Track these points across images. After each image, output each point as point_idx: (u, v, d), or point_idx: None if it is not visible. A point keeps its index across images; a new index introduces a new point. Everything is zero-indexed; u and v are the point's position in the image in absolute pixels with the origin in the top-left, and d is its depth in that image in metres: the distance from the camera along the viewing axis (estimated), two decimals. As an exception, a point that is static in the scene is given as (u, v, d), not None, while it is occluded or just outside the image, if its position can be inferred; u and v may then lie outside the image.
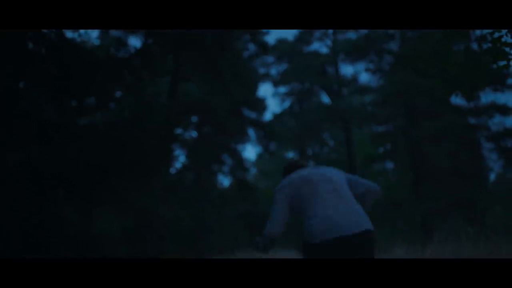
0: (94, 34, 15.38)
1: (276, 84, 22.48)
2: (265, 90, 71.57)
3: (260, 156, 26.48)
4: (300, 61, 20.62)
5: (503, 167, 18.57)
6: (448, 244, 6.62)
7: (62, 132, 7.24)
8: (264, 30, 16.42)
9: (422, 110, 16.76)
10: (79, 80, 7.51)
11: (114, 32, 10.93)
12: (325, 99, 21.88)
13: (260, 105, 20.74)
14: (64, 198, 7.78)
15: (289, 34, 23.50)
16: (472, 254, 5.70)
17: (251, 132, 19.75)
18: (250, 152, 33.99)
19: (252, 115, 20.26)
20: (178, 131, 16.77)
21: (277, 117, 22.62)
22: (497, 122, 17.06)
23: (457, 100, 16.56)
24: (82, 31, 8.86)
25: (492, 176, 22.16)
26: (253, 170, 26.26)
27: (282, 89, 22.74)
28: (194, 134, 19.27)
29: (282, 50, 21.25)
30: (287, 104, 23.00)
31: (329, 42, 20.80)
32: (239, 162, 19.62)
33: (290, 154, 24.83)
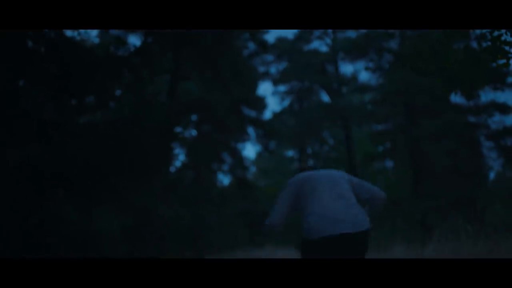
0: (93, 32, 15.34)
1: (275, 82, 22.45)
2: (264, 88, 71.36)
3: (259, 155, 26.50)
4: (300, 59, 20.57)
5: (503, 165, 18.59)
6: (447, 242, 6.63)
7: (62, 130, 7.23)
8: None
9: (422, 108, 16.75)
10: (78, 79, 7.50)
11: (113, 31, 10.90)
12: (325, 97, 21.90)
13: (260, 103, 20.73)
14: (64, 197, 7.78)
15: (289, 32, 23.40)
16: (471, 253, 5.71)
17: (250, 130, 19.78)
18: (249, 150, 34.03)
19: (252, 113, 20.28)
20: (178, 129, 16.78)
21: (276, 115, 22.59)
22: (496, 120, 17.08)
23: (456, 98, 16.51)
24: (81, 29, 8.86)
25: (492, 175, 22.22)
26: (253, 169, 26.30)
27: (282, 88, 22.72)
28: (193, 132, 19.28)
29: (281, 48, 21.21)
30: (286, 102, 23.00)
31: (329, 41, 20.77)
32: (238, 160, 19.64)
33: (290, 153, 24.84)
